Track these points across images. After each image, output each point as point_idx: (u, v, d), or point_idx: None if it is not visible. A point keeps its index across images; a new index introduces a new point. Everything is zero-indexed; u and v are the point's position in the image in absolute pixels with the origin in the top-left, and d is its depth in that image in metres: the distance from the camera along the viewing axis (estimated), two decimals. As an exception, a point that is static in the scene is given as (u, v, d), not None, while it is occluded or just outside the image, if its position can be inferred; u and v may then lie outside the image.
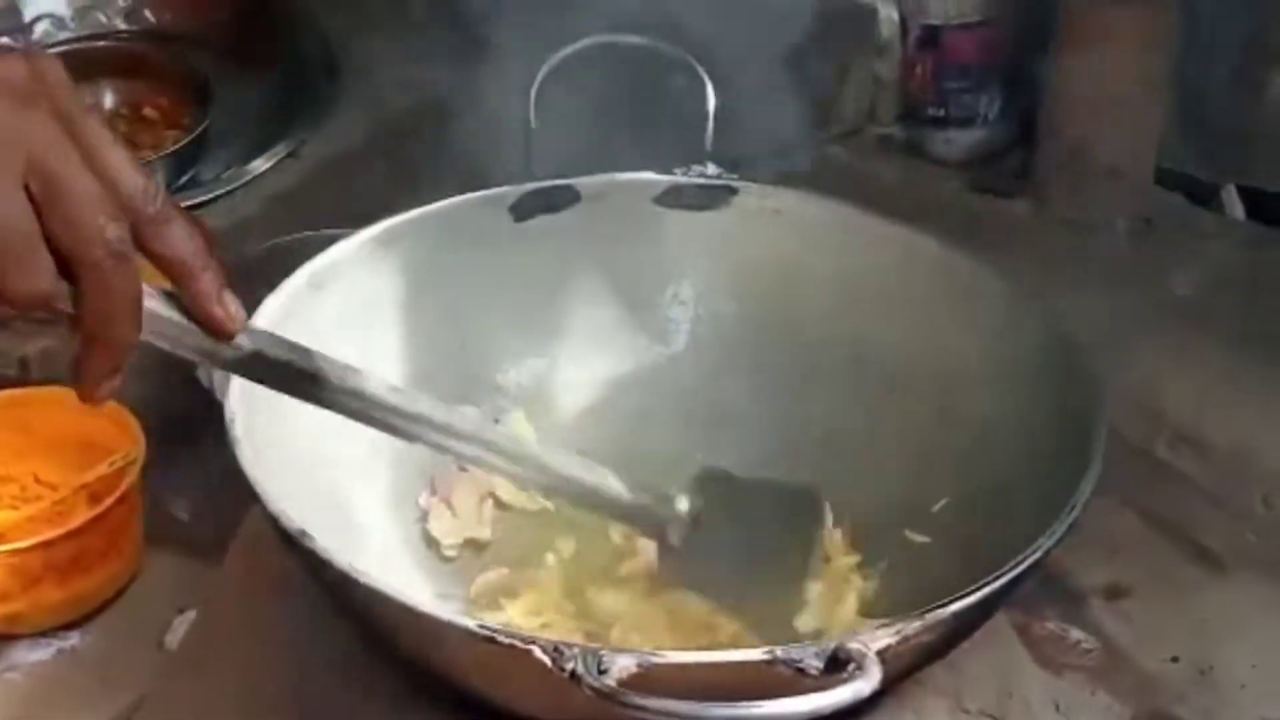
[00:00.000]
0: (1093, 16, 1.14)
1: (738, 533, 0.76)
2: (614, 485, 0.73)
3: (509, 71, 0.98)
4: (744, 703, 0.55)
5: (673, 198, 0.89)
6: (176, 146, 1.22)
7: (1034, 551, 0.64)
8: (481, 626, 0.60)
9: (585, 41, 0.91)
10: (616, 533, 0.83)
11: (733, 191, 0.89)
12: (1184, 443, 0.95)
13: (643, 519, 0.75)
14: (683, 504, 0.75)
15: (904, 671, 0.66)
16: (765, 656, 0.58)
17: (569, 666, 0.57)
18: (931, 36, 1.26)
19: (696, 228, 0.89)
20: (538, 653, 0.58)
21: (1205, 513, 0.91)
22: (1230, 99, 1.17)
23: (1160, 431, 0.96)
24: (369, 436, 0.82)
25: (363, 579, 0.62)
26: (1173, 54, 1.16)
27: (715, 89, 0.91)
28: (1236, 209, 1.20)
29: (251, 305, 0.77)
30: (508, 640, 0.59)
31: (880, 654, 0.58)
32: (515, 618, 0.78)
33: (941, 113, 1.27)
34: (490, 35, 1.09)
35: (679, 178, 0.89)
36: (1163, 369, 1.01)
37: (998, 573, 0.63)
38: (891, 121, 1.31)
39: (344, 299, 0.83)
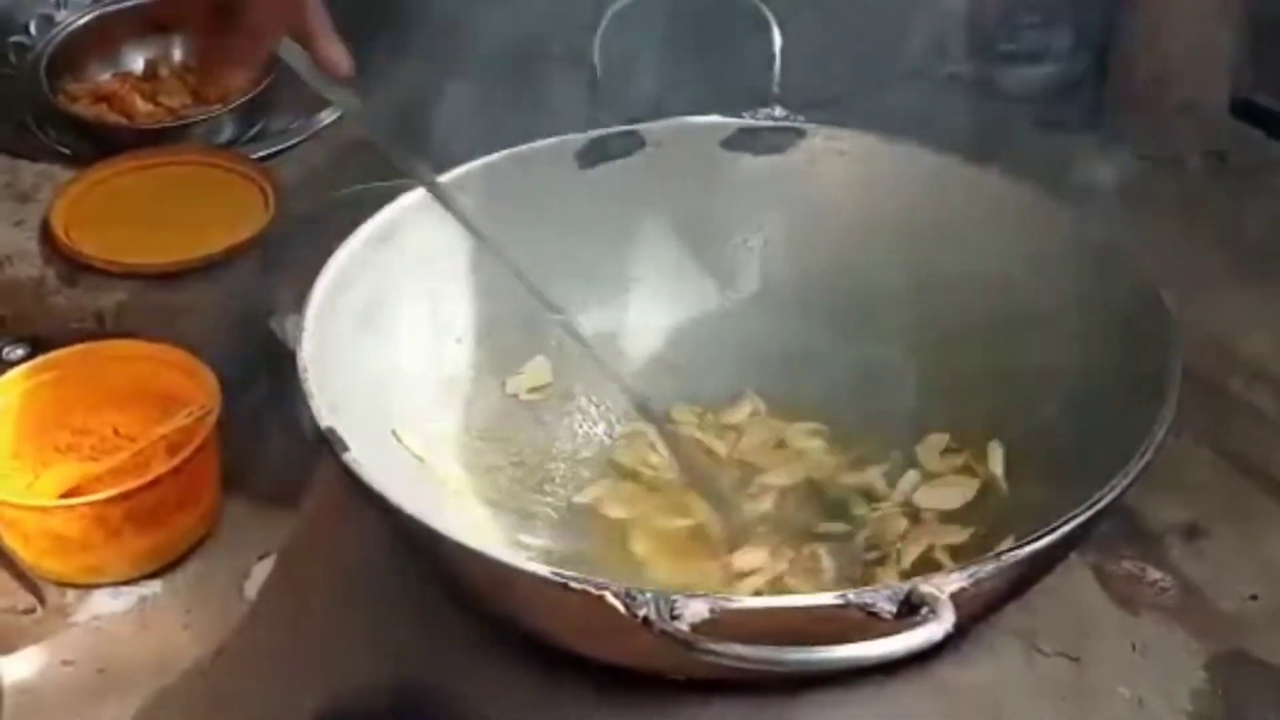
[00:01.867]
0: (1166, -52, 1.12)
1: None
2: None
3: (574, 17, 0.97)
4: (818, 647, 0.55)
5: (740, 141, 0.89)
6: (245, 98, 1.22)
7: (1110, 491, 0.64)
8: (555, 573, 0.60)
9: (650, -14, 0.91)
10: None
11: (800, 134, 0.89)
12: (1260, 380, 0.94)
13: None
14: None
15: (978, 614, 0.66)
16: (838, 600, 0.58)
17: (641, 612, 0.58)
18: (1002, -30, 1.24)
19: (764, 171, 0.89)
20: (610, 598, 0.58)
21: (1283, 450, 0.90)
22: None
23: (1235, 369, 0.95)
24: (438, 380, 0.83)
25: (440, 529, 0.63)
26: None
27: (781, 30, 0.90)
28: (1316, 142, 1.18)
29: (322, 256, 0.78)
30: (580, 586, 0.59)
31: (954, 597, 0.58)
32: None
33: (1012, 48, 1.25)
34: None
35: (746, 121, 0.89)
36: (1238, 306, 0.99)
37: (1073, 513, 0.63)
38: (961, 59, 1.29)
39: (412, 249, 0.83)
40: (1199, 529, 0.84)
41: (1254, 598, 0.80)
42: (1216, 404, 0.93)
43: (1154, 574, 0.81)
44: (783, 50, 0.90)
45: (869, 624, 0.58)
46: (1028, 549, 0.61)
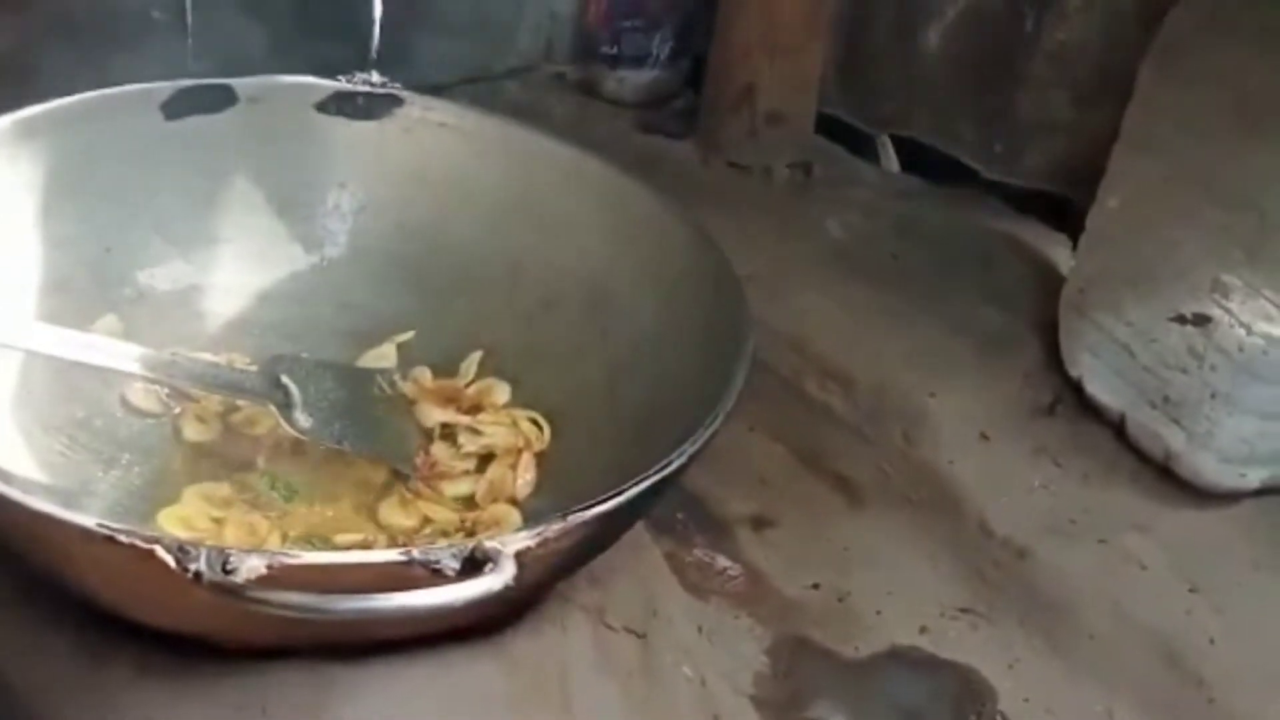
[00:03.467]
0: (762, -38, 1.16)
1: (340, 400, 0.80)
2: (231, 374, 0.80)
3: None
4: (371, 594, 0.54)
5: (335, 105, 0.87)
6: None
7: (673, 460, 0.65)
8: (101, 525, 0.57)
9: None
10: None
11: (397, 102, 0.88)
12: (831, 378, 0.98)
13: (265, 397, 0.78)
14: (289, 383, 0.78)
15: (544, 577, 0.66)
16: (401, 557, 0.57)
17: (194, 567, 0.55)
18: (609, -27, 1.26)
19: (359, 137, 0.88)
20: (161, 552, 0.56)
21: (850, 447, 0.94)
22: (887, 51, 1.20)
23: (810, 369, 0.99)
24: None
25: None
26: (836, 3, 1.19)
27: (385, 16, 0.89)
28: (891, 159, 1.25)
29: None
30: (129, 540, 0.56)
31: (519, 556, 0.57)
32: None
33: (615, 51, 1.28)
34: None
35: (343, 84, 0.87)
36: (814, 309, 1.03)
37: (635, 480, 0.64)
38: (566, 59, 1.31)
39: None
40: (767, 520, 0.87)
41: (815, 586, 0.83)
42: (790, 401, 0.96)
43: (723, 562, 0.84)
44: (384, 23, 0.89)
45: (433, 581, 0.57)
46: (592, 511, 0.61)
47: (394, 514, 0.77)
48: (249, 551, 0.56)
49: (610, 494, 0.62)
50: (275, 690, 0.65)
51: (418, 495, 0.79)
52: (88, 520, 0.57)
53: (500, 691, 0.68)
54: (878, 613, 0.82)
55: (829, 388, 0.98)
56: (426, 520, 0.78)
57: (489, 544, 0.57)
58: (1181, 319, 0.89)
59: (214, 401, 0.81)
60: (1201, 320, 0.88)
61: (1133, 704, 0.78)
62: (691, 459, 0.66)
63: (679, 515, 0.86)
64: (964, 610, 0.83)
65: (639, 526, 0.75)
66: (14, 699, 0.65)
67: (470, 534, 0.76)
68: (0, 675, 0.66)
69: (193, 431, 0.81)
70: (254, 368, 0.81)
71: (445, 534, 0.77)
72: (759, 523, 0.87)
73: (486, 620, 0.68)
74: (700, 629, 0.78)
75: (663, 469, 0.64)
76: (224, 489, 0.77)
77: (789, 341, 0.99)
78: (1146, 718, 0.77)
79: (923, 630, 0.81)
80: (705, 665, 0.76)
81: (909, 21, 1.18)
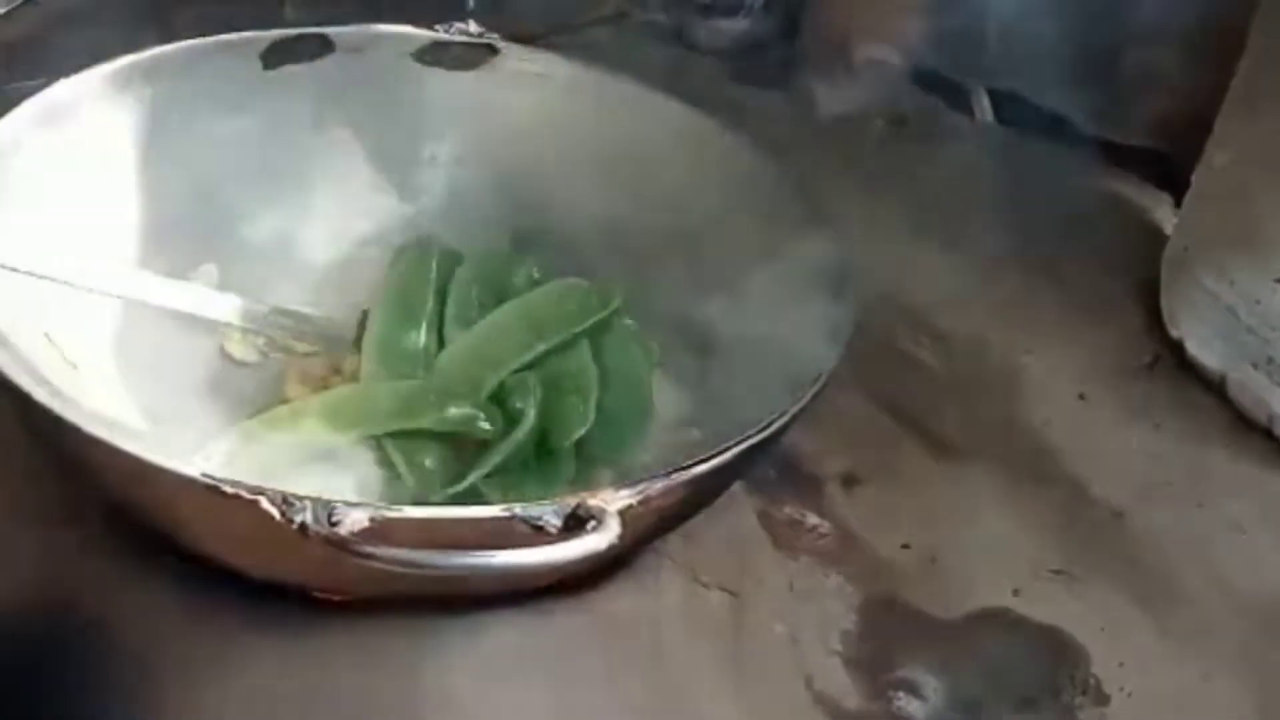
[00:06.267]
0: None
1: None
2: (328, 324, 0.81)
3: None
4: (478, 551, 0.54)
5: (432, 55, 0.87)
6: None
7: (775, 418, 0.65)
8: (206, 476, 0.57)
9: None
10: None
11: (494, 51, 0.88)
12: (923, 333, 0.97)
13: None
14: None
15: (644, 535, 0.66)
16: (504, 513, 0.57)
17: (298, 519, 0.55)
18: (708, -77, 1.25)
19: (456, 87, 0.87)
20: (265, 504, 0.56)
21: (943, 404, 0.92)
22: (986, 2, 1.18)
23: (901, 322, 0.97)
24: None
25: (75, 420, 0.60)
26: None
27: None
28: (986, 112, 1.23)
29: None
30: (233, 491, 0.56)
31: (620, 514, 0.57)
32: None
33: (708, 1, 1.26)
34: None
35: (439, 34, 0.87)
36: (907, 264, 1.02)
37: (739, 438, 0.63)
38: (658, 7, 1.30)
39: (78, 138, 0.78)
40: (858, 478, 0.86)
41: (906, 546, 0.82)
42: (882, 356, 0.95)
43: (813, 519, 0.83)
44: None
45: (535, 537, 0.57)
46: (695, 470, 0.61)
47: None
48: (354, 504, 0.56)
49: (715, 450, 0.62)
50: (375, 641, 0.65)
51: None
52: (192, 469, 0.58)
53: (594, 648, 0.69)
54: (969, 573, 0.81)
55: (922, 343, 0.97)
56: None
57: (592, 502, 0.57)
58: (1288, 281, 0.87)
59: (317, 364, 0.82)
60: (1309, 282, 0.86)
61: (1230, 669, 0.77)
62: (795, 417, 0.65)
63: (770, 472, 0.85)
64: (1057, 572, 0.82)
65: (731, 482, 0.75)
66: (118, 651, 0.66)
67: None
68: (104, 628, 0.67)
69: (297, 394, 0.81)
70: (351, 319, 0.81)
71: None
72: (849, 480, 0.86)
73: (581, 576, 0.68)
74: (791, 587, 0.78)
75: (769, 426, 0.64)
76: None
77: (881, 296, 0.98)
78: (1244, 683, 0.76)
79: (1015, 592, 0.80)
80: (796, 624, 0.75)
81: (1008, -30, 1.16)
